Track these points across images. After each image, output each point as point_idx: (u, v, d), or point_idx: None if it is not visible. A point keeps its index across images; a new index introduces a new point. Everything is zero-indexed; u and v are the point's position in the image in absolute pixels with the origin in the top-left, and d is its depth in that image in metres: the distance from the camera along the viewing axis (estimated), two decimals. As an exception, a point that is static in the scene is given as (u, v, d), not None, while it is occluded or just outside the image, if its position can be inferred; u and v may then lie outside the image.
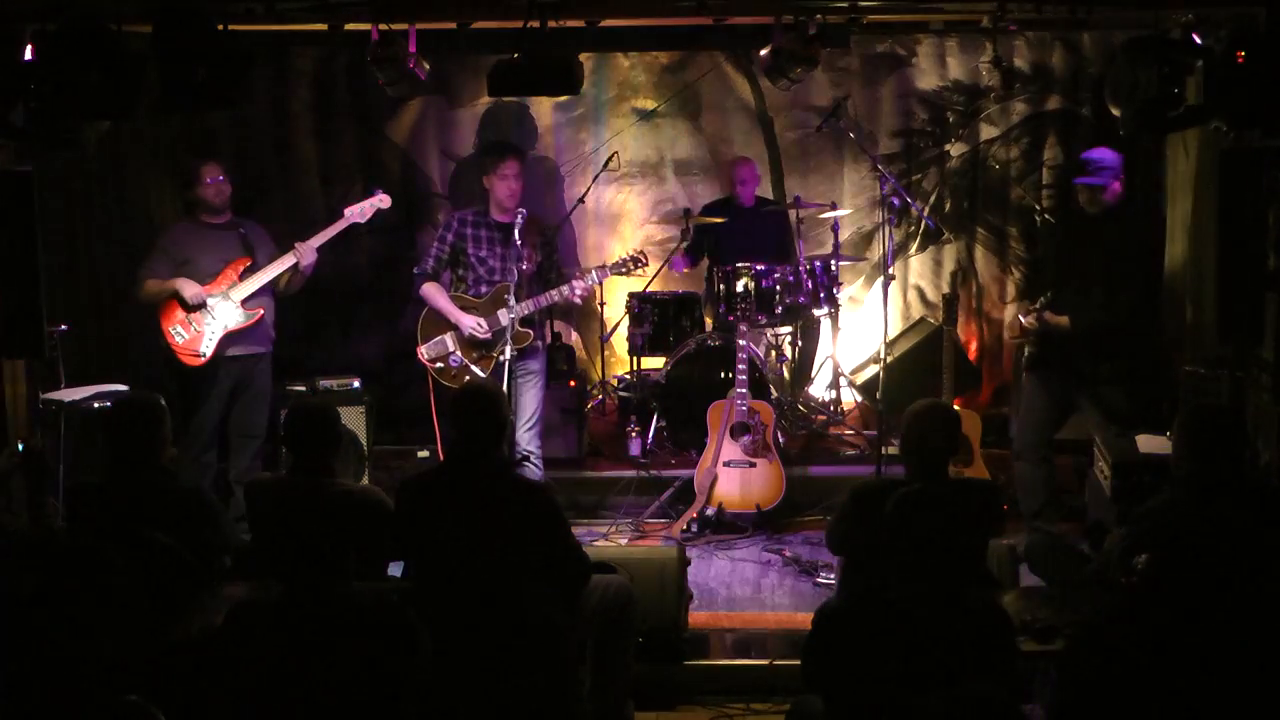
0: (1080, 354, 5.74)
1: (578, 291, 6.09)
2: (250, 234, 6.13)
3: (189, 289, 5.87)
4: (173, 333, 5.91)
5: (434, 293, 6.15)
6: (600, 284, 6.28)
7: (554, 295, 6.06)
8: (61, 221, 6.50)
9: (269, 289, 6.09)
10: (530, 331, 6.07)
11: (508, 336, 5.86)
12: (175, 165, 7.24)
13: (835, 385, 7.51)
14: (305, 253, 6.02)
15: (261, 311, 6.03)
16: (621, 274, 6.31)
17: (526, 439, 6.08)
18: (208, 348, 5.91)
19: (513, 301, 5.86)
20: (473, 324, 6.03)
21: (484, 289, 6.10)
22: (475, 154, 7.72)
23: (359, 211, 6.18)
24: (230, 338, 5.97)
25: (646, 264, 6.34)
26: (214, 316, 5.92)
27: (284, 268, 6.03)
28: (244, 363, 6.06)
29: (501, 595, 3.88)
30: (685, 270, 7.55)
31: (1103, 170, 5.68)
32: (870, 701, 3.11)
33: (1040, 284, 7.22)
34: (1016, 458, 6.03)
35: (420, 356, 6.18)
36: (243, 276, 6.00)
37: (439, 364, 6.13)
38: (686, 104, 7.84)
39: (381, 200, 6.23)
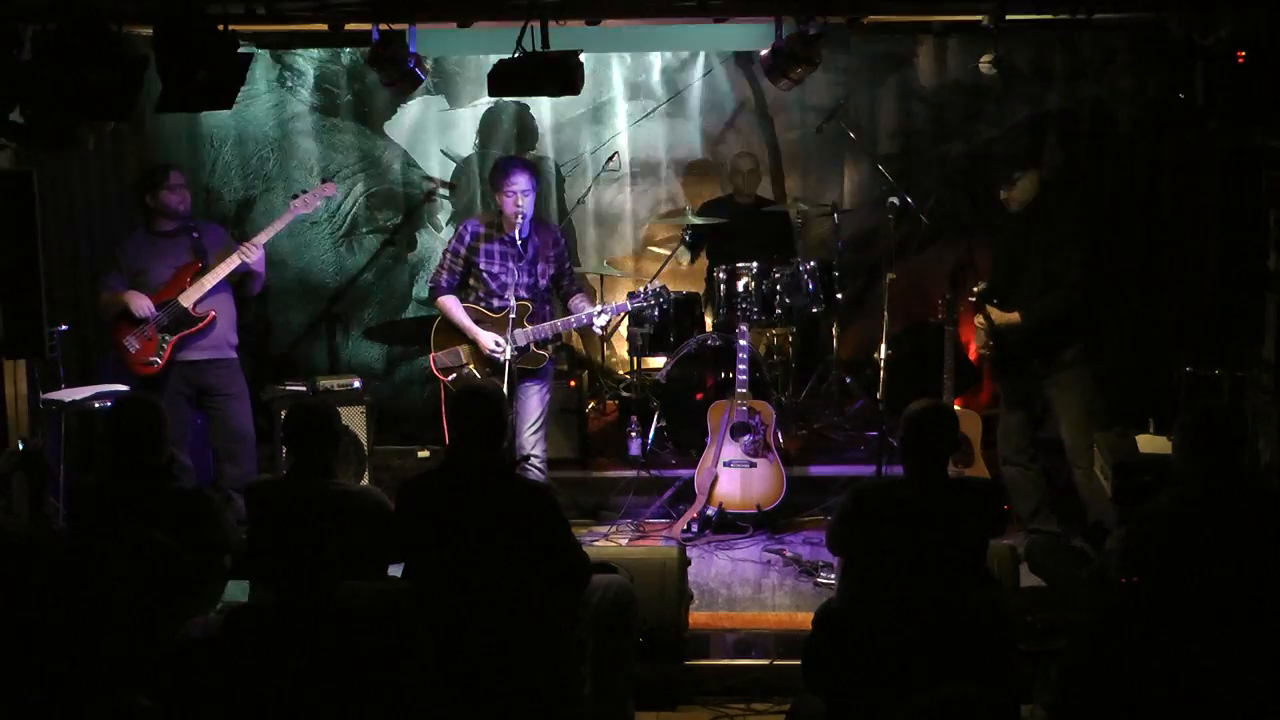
0: (1036, 347, 5.76)
1: (597, 325, 6.09)
2: (204, 237, 6.07)
3: (135, 303, 5.86)
4: (126, 344, 5.90)
5: (452, 306, 6.09)
6: (618, 314, 6.30)
7: (571, 321, 6.04)
8: (62, 222, 6.50)
9: (226, 291, 6.05)
10: (545, 354, 6.05)
11: (512, 351, 5.84)
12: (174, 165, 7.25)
13: (835, 385, 7.51)
14: (251, 250, 5.97)
15: (213, 314, 5.98)
16: (641, 307, 6.31)
17: (531, 442, 6.05)
18: (160, 355, 5.89)
19: (528, 326, 5.88)
20: (492, 344, 5.98)
21: (495, 302, 6.06)
22: (476, 154, 7.73)
23: (303, 203, 6.16)
24: (184, 342, 5.94)
25: (669, 300, 6.36)
26: (165, 324, 5.90)
27: (231, 268, 5.98)
28: (202, 369, 6.01)
29: (502, 596, 3.88)
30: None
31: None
32: (870, 701, 3.11)
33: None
34: (1004, 463, 6.04)
35: (432, 365, 6.17)
36: (193, 281, 5.96)
37: (452, 375, 6.11)
38: (687, 104, 7.84)
39: (327, 189, 6.22)
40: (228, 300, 6.08)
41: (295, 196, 6.21)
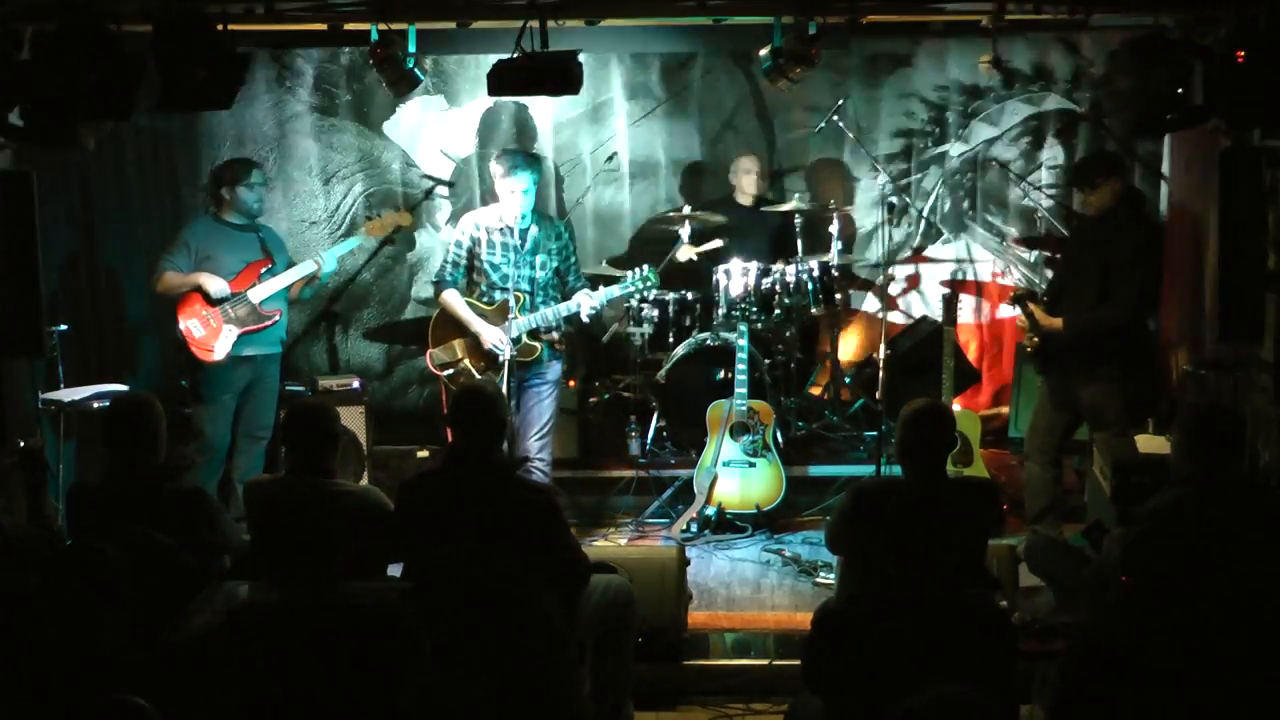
0: (1075, 357, 5.75)
1: (584, 310, 6.09)
2: (268, 238, 6.23)
3: (213, 285, 5.96)
4: (189, 326, 5.97)
5: (455, 300, 6.13)
6: (606, 302, 6.30)
7: (561, 309, 6.05)
8: (62, 221, 6.51)
9: (284, 293, 6.17)
10: (537, 345, 6.06)
11: (511, 348, 5.87)
12: (175, 164, 7.26)
13: (835, 385, 7.51)
14: (327, 261, 6.15)
15: (279, 314, 6.14)
16: (629, 295, 6.31)
17: (536, 448, 6.05)
18: (223, 345, 5.98)
19: (517, 315, 5.88)
20: (495, 340, 5.99)
21: (497, 294, 6.08)
22: (475, 154, 7.72)
23: (379, 227, 6.35)
24: (245, 338, 6.02)
25: (656, 286, 6.36)
26: (232, 314, 5.97)
27: (304, 274, 6.16)
28: (255, 363, 6.14)
29: (501, 596, 3.88)
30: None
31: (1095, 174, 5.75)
32: (870, 701, 3.11)
33: (1040, 283, 7.23)
34: (1026, 458, 6.05)
35: (428, 361, 6.17)
36: (262, 278, 6.06)
37: (448, 370, 6.12)
38: (686, 104, 7.83)
39: (402, 217, 6.43)
40: (285, 302, 6.22)
41: (369, 219, 6.44)
